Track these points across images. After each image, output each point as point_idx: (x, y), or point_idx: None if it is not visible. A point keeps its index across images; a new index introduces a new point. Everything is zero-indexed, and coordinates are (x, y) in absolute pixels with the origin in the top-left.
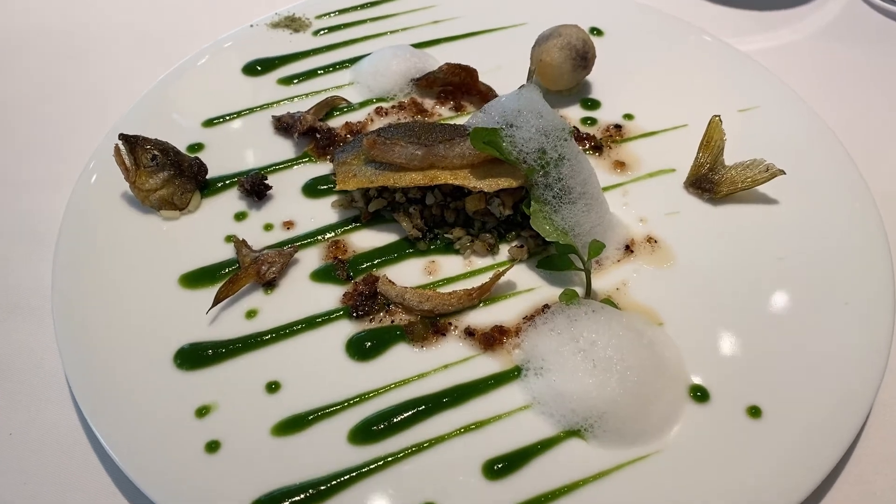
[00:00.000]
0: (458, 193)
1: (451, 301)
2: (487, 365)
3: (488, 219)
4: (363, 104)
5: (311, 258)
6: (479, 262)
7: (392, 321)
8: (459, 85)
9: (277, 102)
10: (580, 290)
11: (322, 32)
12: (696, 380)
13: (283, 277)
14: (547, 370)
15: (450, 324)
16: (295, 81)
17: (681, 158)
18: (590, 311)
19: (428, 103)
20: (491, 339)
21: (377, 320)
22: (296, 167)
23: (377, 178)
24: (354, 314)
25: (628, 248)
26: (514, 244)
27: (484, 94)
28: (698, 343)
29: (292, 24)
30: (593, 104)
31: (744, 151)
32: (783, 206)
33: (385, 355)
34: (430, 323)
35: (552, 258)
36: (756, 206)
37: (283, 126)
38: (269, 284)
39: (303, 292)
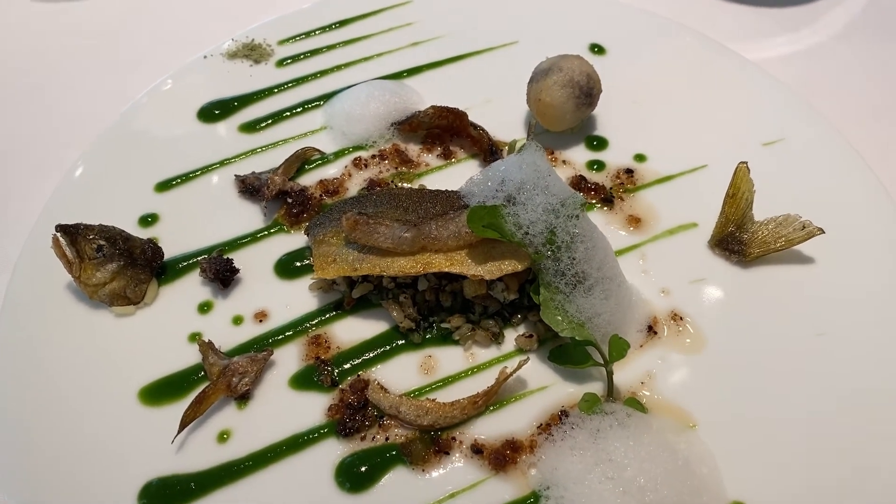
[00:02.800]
0: (455, 275)
1: (453, 413)
2: (500, 491)
3: (490, 303)
4: (338, 154)
5: (288, 358)
6: (483, 353)
7: (387, 438)
8: (447, 128)
9: (240, 156)
10: (599, 388)
11: (286, 63)
12: (737, 497)
13: (257, 386)
14: (570, 501)
15: (453, 438)
16: (259, 128)
17: (703, 209)
18: (614, 423)
19: (412, 150)
20: (502, 457)
21: (369, 438)
22: (266, 240)
23: (361, 264)
24: (343, 432)
25: (651, 330)
26: (521, 333)
27: (475, 139)
28: (736, 448)
29: (252, 52)
30: (600, 143)
31: (772, 198)
32: (821, 269)
33: (380, 484)
34: (430, 439)
35: (566, 350)
36: (791, 269)
37: (249, 189)
38: (243, 397)
39: (282, 405)
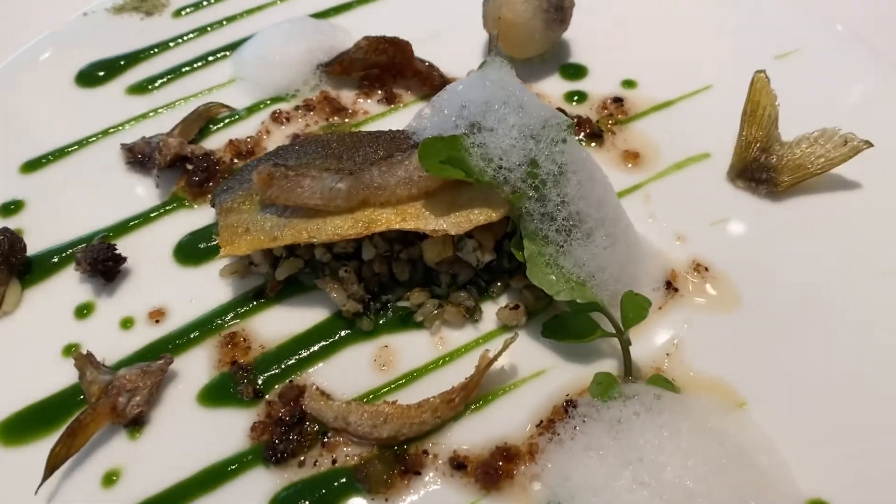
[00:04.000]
0: (411, 237)
1: (422, 417)
2: None
3: (460, 269)
4: (252, 109)
5: (195, 366)
6: (456, 336)
7: (334, 461)
8: (388, 66)
9: (129, 123)
10: (613, 366)
11: (186, 12)
12: (812, 492)
13: (155, 407)
14: None
15: (425, 452)
16: (152, 88)
17: (714, 137)
18: (640, 410)
19: (346, 97)
20: (494, 471)
21: (310, 463)
22: (161, 220)
23: (282, 232)
24: (273, 457)
25: (670, 286)
26: (504, 305)
27: (424, 76)
28: (800, 429)
29: (143, 3)
30: (577, 72)
31: (797, 116)
32: (872, 192)
33: None
34: (393, 457)
35: (565, 321)
36: (836, 197)
37: (138, 158)
38: (135, 423)
39: (189, 429)
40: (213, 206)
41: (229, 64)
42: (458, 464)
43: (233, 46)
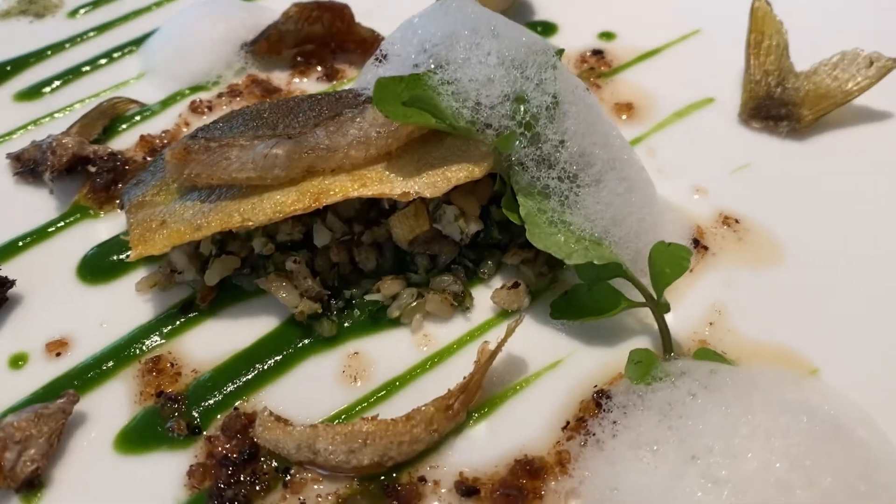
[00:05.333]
0: (374, 214)
1: (412, 433)
2: None
3: (440, 248)
4: (168, 102)
5: (110, 404)
6: (443, 332)
7: (302, 502)
8: (324, 38)
9: (17, 131)
10: (646, 345)
11: (83, 11)
12: None
13: (55, 464)
14: None
15: (422, 479)
16: (46, 91)
17: (715, 79)
18: (695, 389)
19: (278, 78)
20: (516, 492)
21: None
22: (60, 235)
23: (207, 218)
24: None
25: (699, 244)
26: (499, 286)
27: (369, 45)
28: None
29: (31, 6)
30: (546, 29)
31: (807, 43)
32: None
33: None
34: (381, 490)
35: (578, 295)
36: (867, 127)
37: (28, 166)
38: (30, 485)
39: (104, 487)
40: (121, 208)
41: (136, 59)
42: (468, 489)
43: (140, 42)
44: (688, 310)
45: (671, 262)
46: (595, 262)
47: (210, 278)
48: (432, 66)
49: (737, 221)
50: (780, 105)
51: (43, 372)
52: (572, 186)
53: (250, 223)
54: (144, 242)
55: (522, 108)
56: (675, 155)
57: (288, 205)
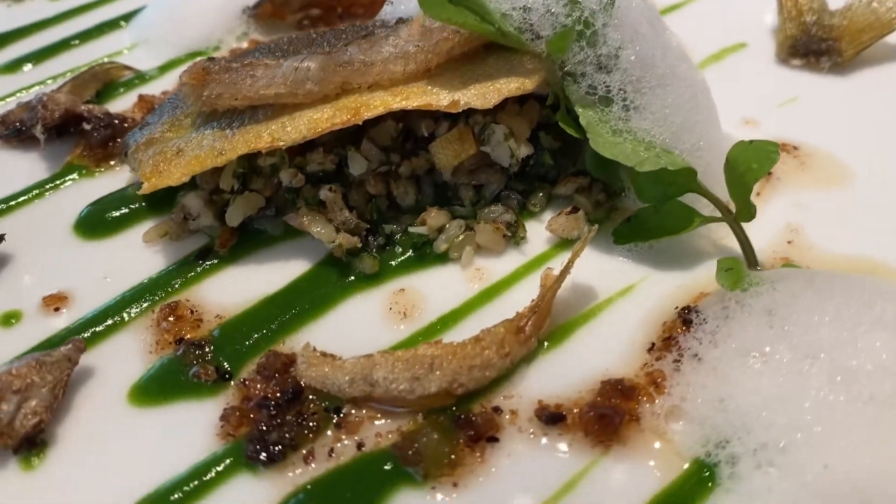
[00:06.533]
0: (411, 146)
1: (483, 355)
2: (625, 481)
3: (487, 176)
4: (165, 69)
5: (120, 358)
6: (496, 266)
7: (359, 444)
8: (330, 2)
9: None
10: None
11: None
12: None
13: (60, 421)
14: (788, 445)
15: (497, 410)
16: (27, 67)
17: (745, 26)
18: (801, 289)
19: None
20: (611, 414)
21: (321, 455)
22: (53, 195)
23: (231, 142)
24: (261, 455)
25: None
26: (555, 214)
27: (377, 8)
28: None
29: None
30: None
31: None
32: None
33: None
34: (451, 422)
35: (642, 221)
36: None
37: (15, 128)
38: (30, 444)
39: (119, 443)
40: (124, 154)
41: (127, 32)
42: (552, 415)
43: (129, 17)
44: (762, 229)
45: (757, 157)
46: (670, 167)
47: (232, 217)
48: None
49: (795, 148)
50: (819, 41)
51: (41, 329)
52: (638, 89)
53: (281, 142)
54: (159, 174)
55: (577, 4)
56: (718, 92)
57: (324, 121)
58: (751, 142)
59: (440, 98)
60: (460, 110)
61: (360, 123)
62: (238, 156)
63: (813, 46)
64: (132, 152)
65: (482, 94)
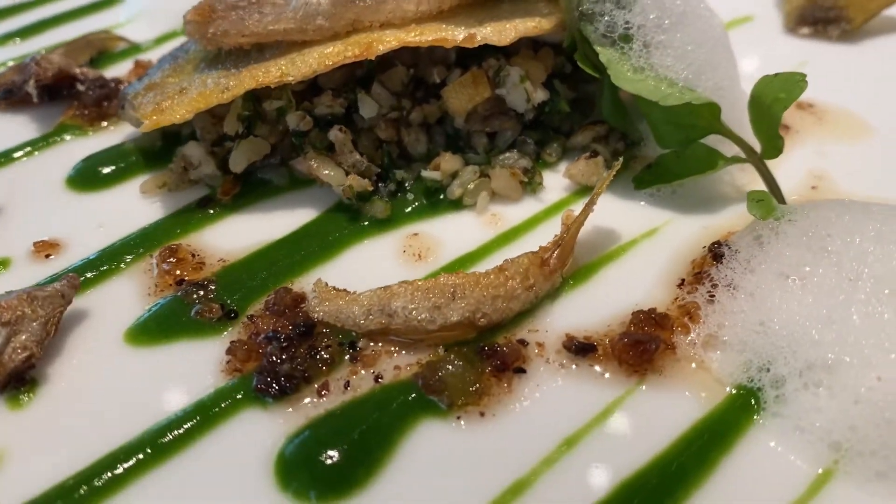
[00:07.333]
0: (422, 92)
1: (507, 285)
2: (664, 410)
3: (501, 122)
4: (162, 40)
5: (117, 300)
6: (513, 213)
7: (377, 377)
8: None
9: None
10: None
11: None
12: None
13: (51, 360)
14: (836, 362)
15: (522, 342)
16: (18, 41)
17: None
18: (836, 215)
19: None
20: (646, 342)
21: (337, 388)
22: (45, 151)
23: (238, 78)
24: (271, 387)
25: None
26: (574, 160)
27: None
28: None
29: None
30: None
31: None
32: None
33: (395, 464)
34: (475, 353)
35: (664, 165)
36: None
37: (6, 88)
38: (20, 380)
39: (114, 381)
40: (121, 107)
41: (123, 10)
42: (581, 345)
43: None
44: (786, 174)
45: (784, 87)
46: (694, 102)
47: (236, 163)
48: None
49: (811, 105)
50: (827, 8)
51: (31, 275)
52: (658, 24)
53: (290, 77)
54: (161, 112)
55: None
56: None
57: (335, 55)
58: (776, 74)
59: (456, 34)
60: (477, 45)
61: (373, 60)
62: (244, 91)
63: (820, 14)
64: (131, 98)
65: (498, 31)
